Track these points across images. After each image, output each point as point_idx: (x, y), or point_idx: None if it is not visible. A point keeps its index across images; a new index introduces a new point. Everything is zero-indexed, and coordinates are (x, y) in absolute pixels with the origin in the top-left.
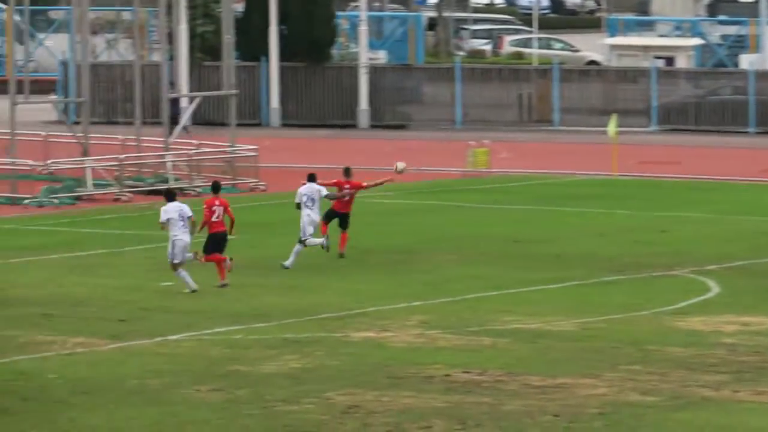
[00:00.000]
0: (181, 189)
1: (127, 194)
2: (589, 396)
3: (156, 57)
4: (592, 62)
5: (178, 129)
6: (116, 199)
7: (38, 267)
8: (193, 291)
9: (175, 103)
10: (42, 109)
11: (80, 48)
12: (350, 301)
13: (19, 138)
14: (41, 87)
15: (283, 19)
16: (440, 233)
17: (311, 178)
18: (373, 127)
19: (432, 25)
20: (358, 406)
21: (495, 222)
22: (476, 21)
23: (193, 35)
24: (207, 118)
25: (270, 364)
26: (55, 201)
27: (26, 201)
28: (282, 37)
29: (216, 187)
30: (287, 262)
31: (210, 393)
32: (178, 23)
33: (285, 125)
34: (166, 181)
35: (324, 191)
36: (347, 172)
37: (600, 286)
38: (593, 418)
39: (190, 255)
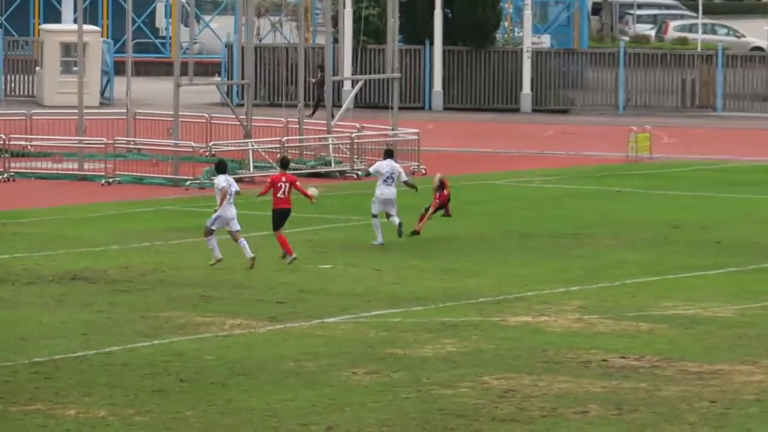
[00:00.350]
0: (342, 172)
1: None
2: (746, 383)
3: (320, 40)
4: (757, 48)
5: (341, 112)
6: None
7: (198, 248)
8: (218, 260)
9: (320, 85)
10: (205, 91)
11: (245, 30)
12: (508, 285)
13: (182, 120)
14: (205, 69)
15: (447, 3)
16: (600, 218)
17: (390, 154)
18: (536, 111)
19: (596, 9)
20: (515, 390)
21: (655, 207)
22: (641, 6)
23: (357, 18)
24: (370, 101)
25: (427, 348)
26: None
27: (188, 183)
28: (446, 21)
29: (284, 163)
30: (376, 241)
31: (366, 376)
32: (343, 6)
33: (447, 109)
34: (327, 163)
35: (404, 176)
36: (442, 186)
37: (759, 272)
38: (750, 405)
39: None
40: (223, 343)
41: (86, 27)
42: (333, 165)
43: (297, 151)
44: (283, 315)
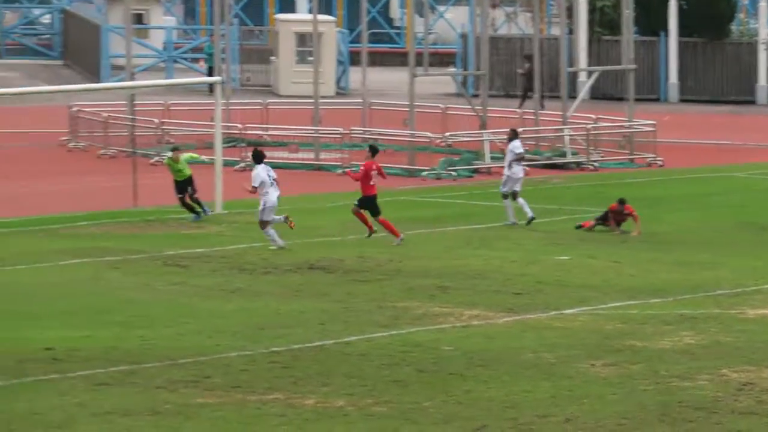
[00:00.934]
0: (578, 163)
1: (524, 168)
2: None
3: (555, 31)
4: None
5: (575, 103)
6: None
7: (434, 239)
8: (281, 248)
9: (528, 76)
10: (441, 81)
11: (480, 21)
12: (746, 277)
13: (418, 110)
14: (440, 59)
15: None
16: None
17: (516, 134)
18: None
19: None
20: (753, 383)
21: None
22: None
23: (592, 9)
24: (605, 93)
25: (665, 340)
26: (453, 173)
27: (424, 173)
28: (681, 12)
29: (374, 150)
30: (509, 221)
31: (604, 368)
32: None
33: (683, 101)
34: (563, 155)
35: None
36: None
37: None
38: None
39: (279, 218)
40: (461, 333)
41: (321, 17)
42: (569, 156)
43: (533, 142)
44: (520, 306)
